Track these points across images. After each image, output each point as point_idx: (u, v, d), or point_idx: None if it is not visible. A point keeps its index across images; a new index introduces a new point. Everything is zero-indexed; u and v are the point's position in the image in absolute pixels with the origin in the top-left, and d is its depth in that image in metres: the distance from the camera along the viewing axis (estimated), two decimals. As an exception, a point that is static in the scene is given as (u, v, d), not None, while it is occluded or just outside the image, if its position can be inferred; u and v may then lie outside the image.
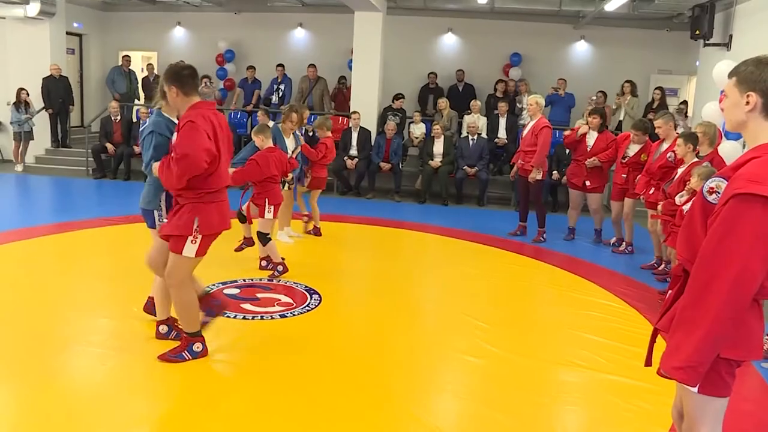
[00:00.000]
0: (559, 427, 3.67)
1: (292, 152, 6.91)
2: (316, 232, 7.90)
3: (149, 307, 4.63)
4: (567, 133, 8.45)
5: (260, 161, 5.91)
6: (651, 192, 6.65)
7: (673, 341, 2.23)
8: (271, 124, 11.39)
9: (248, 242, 6.46)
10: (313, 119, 12.39)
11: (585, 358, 4.51)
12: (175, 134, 3.85)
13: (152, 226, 4.24)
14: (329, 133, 7.91)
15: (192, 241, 3.87)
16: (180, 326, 4.24)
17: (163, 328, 4.39)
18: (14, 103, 12.10)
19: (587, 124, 8.08)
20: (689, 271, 2.26)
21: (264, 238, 6.05)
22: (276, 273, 6.02)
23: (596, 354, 4.59)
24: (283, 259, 6.08)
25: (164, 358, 4.03)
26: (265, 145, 6.06)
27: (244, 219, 6.30)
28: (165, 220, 4.10)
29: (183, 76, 3.83)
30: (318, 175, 7.84)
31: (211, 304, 4.25)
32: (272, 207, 6.02)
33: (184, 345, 4.07)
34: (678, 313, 2.25)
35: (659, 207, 6.09)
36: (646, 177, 6.79)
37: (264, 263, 6.23)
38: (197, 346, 4.08)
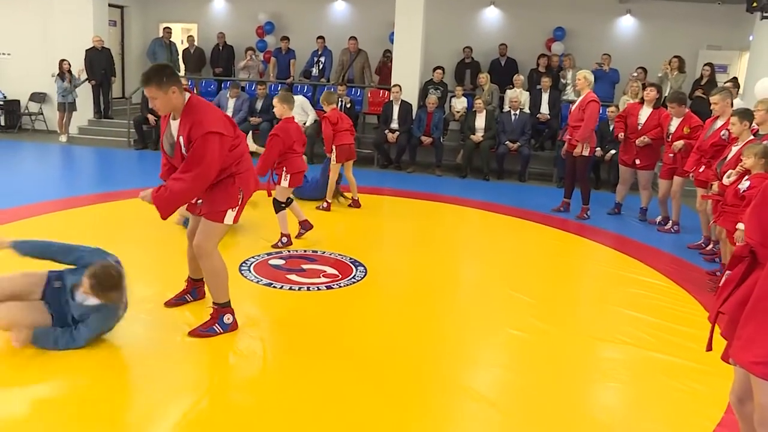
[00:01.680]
0: (612, 405, 3.64)
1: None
2: (355, 204, 7.88)
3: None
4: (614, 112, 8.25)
5: (281, 133, 5.91)
6: (701, 170, 6.49)
7: (747, 332, 2.15)
8: (296, 98, 11.40)
9: (306, 225, 6.32)
10: (357, 92, 12.42)
11: (633, 336, 4.46)
12: (181, 140, 3.76)
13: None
14: (334, 106, 7.70)
15: (232, 209, 3.93)
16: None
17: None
18: (58, 74, 12.28)
19: (640, 100, 7.90)
20: (760, 255, 2.18)
21: (278, 206, 6.06)
22: (280, 244, 6.02)
23: (644, 332, 4.53)
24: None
25: (195, 333, 3.99)
26: (284, 115, 6.05)
27: (289, 202, 6.20)
28: None
29: (174, 73, 3.78)
30: (342, 142, 7.60)
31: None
32: (288, 176, 6.01)
33: (215, 317, 4.04)
34: (752, 303, 2.16)
35: (713, 186, 5.92)
36: (696, 155, 6.62)
37: (302, 231, 6.26)
38: (228, 318, 4.04)
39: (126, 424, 3.09)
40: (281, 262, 5.60)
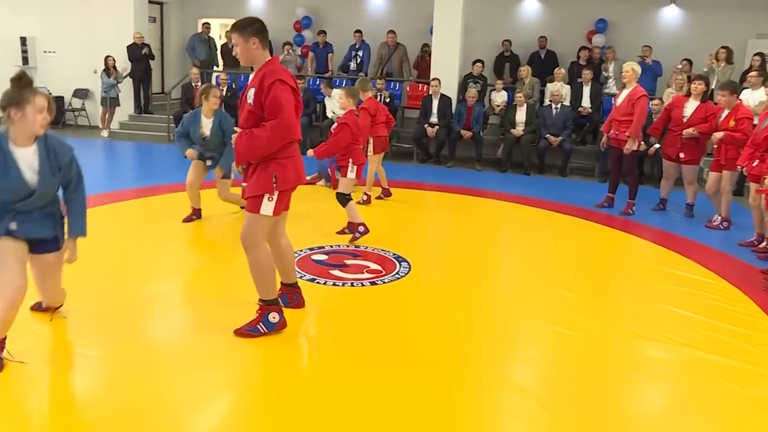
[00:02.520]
0: (663, 407, 3.51)
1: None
2: (386, 193, 7.88)
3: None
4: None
5: (351, 123, 5.87)
6: (755, 164, 6.28)
7: None
8: (335, 92, 11.38)
9: (354, 228, 6.18)
10: (396, 86, 12.36)
11: (683, 335, 4.29)
12: (251, 91, 3.72)
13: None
14: (370, 94, 7.56)
15: (269, 198, 3.77)
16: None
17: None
18: (103, 70, 12.46)
19: (686, 93, 7.69)
20: None
21: (344, 199, 6.03)
22: (357, 235, 6.01)
23: (696, 332, 4.38)
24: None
25: (240, 332, 3.89)
26: (348, 107, 6.03)
27: (346, 201, 6.14)
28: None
29: (260, 28, 3.76)
30: (378, 133, 7.56)
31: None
32: (355, 167, 6.02)
33: (260, 316, 3.94)
34: None
35: (766, 181, 5.73)
36: (750, 148, 6.41)
37: (348, 229, 6.22)
38: (273, 317, 3.92)
39: (169, 421, 3.07)
40: (324, 257, 5.57)
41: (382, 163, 7.97)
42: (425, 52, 12.91)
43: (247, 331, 3.91)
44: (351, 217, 6.06)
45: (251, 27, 3.73)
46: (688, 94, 7.70)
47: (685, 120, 7.57)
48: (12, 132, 3.38)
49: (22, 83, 3.42)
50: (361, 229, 6.02)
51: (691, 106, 7.60)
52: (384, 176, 7.96)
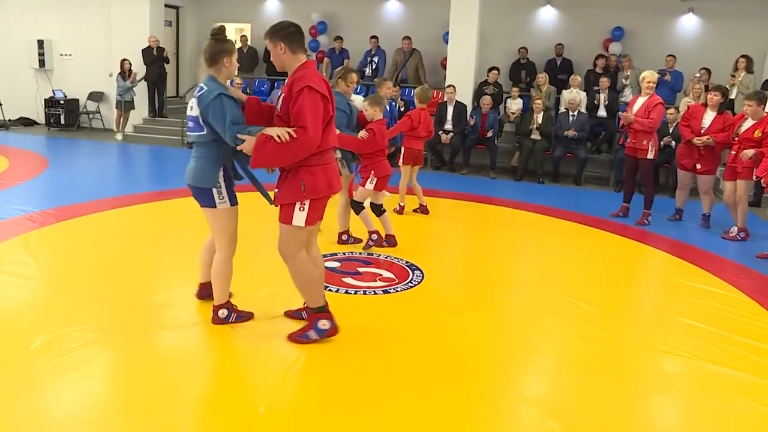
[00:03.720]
0: (684, 424, 3.44)
1: None
2: (423, 210, 7.76)
3: (202, 293, 4.42)
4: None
5: (378, 132, 5.81)
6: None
7: None
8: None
9: (390, 240, 6.15)
10: (410, 93, 12.32)
11: (701, 349, 4.21)
12: (281, 96, 3.66)
13: (210, 204, 3.95)
14: (423, 106, 7.60)
15: (300, 208, 3.68)
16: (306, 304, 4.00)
17: (223, 312, 4.12)
18: (119, 74, 12.52)
19: (704, 103, 7.61)
20: None
21: (358, 207, 5.99)
22: (370, 242, 5.98)
23: (715, 345, 4.29)
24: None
25: (293, 338, 3.88)
26: (376, 117, 5.91)
27: (380, 212, 6.10)
28: (225, 199, 3.92)
29: (290, 32, 3.69)
30: (411, 145, 7.51)
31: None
32: (375, 179, 5.93)
33: (310, 323, 3.91)
34: None
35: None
36: (771, 159, 6.33)
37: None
38: (323, 323, 3.89)
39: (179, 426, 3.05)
40: (337, 264, 5.54)
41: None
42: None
43: (298, 338, 3.90)
44: (367, 225, 6.02)
45: (279, 32, 3.68)
46: (705, 104, 7.62)
47: (703, 131, 7.49)
48: (222, 78, 3.91)
49: (222, 36, 3.95)
50: (374, 237, 6.00)
51: (708, 117, 7.52)
52: (420, 192, 7.79)
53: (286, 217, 3.73)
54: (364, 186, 5.96)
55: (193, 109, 3.86)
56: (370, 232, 6.01)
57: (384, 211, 6.11)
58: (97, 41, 13.63)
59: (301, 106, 3.51)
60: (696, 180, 7.82)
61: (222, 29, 3.96)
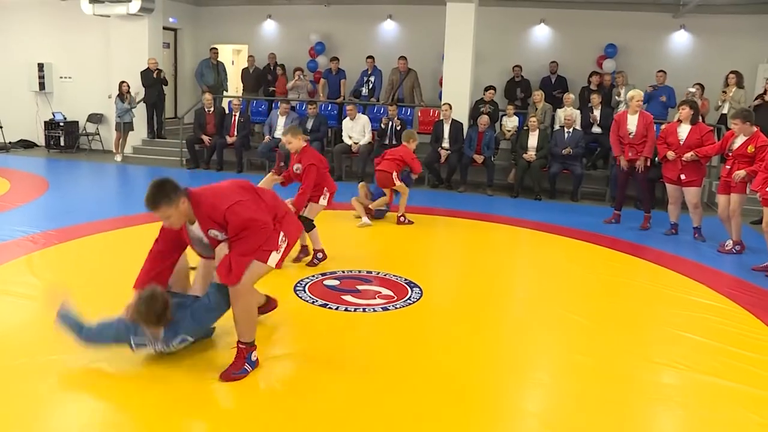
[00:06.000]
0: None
1: None
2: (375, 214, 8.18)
3: None
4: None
5: (316, 161, 5.99)
6: (769, 190, 6.28)
7: None
8: (360, 117, 11.55)
9: (319, 255, 6.16)
10: (407, 112, 12.43)
11: (699, 362, 4.25)
12: (211, 231, 3.81)
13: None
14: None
15: (277, 251, 3.86)
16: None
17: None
18: (118, 95, 12.61)
19: (677, 120, 7.84)
20: None
21: (308, 224, 6.04)
22: (316, 261, 6.04)
23: (712, 358, 4.34)
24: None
25: (227, 377, 3.71)
26: (301, 145, 6.07)
27: (310, 227, 6.11)
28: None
29: (176, 186, 3.75)
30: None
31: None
32: (328, 194, 6.14)
33: (242, 357, 3.79)
34: None
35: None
36: (765, 173, 6.40)
37: (301, 255, 6.18)
38: (254, 355, 3.83)
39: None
40: (336, 282, 5.59)
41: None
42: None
43: (235, 374, 3.74)
44: (314, 244, 6.09)
45: (173, 191, 3.71)
46: (680, 120, 7.81)
47: (681, 143, 7.67)
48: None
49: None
50: (320, 255, 6.08)
51: (684, 130, 7.71)
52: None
53: (262, 257, 3.79)
54: (317, 203, 6.09)
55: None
56: (316, 251, 6.08)
57: (314, 225, 6.13)
58: (96, 64, 13.72)
59: (237, 216, 3.65)
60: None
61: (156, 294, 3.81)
